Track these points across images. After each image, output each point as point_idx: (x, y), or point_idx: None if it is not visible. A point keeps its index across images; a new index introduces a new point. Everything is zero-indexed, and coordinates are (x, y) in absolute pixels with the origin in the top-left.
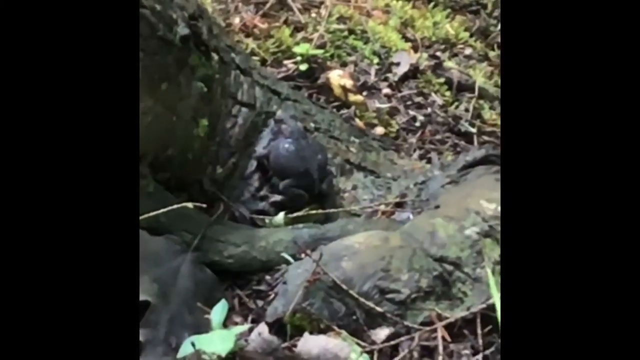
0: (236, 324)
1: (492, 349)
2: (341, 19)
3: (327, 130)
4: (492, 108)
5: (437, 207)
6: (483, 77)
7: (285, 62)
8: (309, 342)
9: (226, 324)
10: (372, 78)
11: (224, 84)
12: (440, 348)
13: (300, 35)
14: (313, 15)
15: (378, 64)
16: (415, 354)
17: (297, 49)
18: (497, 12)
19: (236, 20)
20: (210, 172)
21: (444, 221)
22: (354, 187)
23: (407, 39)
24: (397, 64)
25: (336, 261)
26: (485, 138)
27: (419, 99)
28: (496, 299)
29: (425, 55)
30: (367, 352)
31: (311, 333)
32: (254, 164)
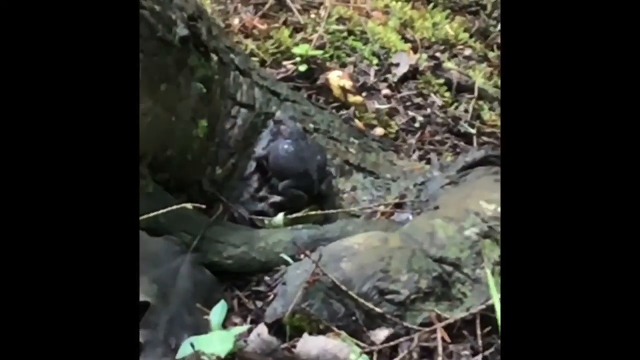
0: (235, 324)
1: (492, 349)
2: (340, 19)
3: (326, 131)
4: (492, 109)
5: (437, 208)
6: (482, 77)
7: (285, 62)
8: (308, 343)
9: (225, 324)
10: (371, 79)
11: (223, 84)
12: (440, 349)
13: (299, 36)
14: (312, 16)
15: (377, 64)
16: (415, 355)
17: (296, 50)
18: (496, 13)
19: (235, 21)
20: (209, 172)
21: (443, 222)
22: (353, 188)
23: (406, 40)
24: (397, 65)
25: (335, 262)
26: (485, 139)
27: (418, 100)
28: (495, 300)
29: (424, 56)
30: (367, 353)
31: (310, 334)
32: (253, 164)
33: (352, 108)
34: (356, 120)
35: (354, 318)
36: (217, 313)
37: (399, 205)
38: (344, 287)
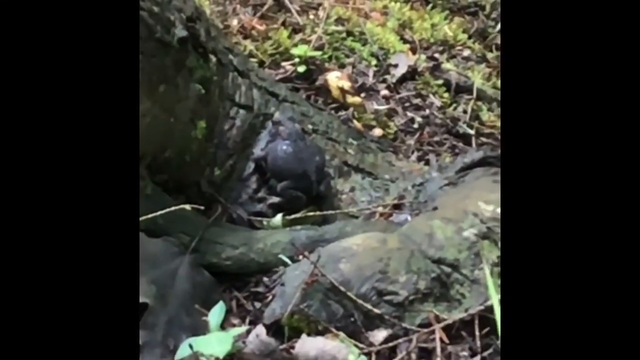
0: (234, 325)
1: (490, 350)
2: (339, 20)
3: (325, 132)
4: (491, 110)
5: (435, 208)
6: (481, 78)
7: (283, 63)
8: (306, 344)
9: (224, 325)
10: (370, 80)
11: (221, 85)
12: (438, 350)
13: (298, 37)
14: (311, 17)
15: (376, 65)
16: (413, 356)
17: (295, 51)
18: (495, 14)
19: (234, 22)
20: (208, 174)
21: (441, 223)
22: (352, 189)
23: (405, 41)
24: (395, 66)
25: (334, 263)
26: (484, 140)
27: (417, 101)
28: (494, 301)
29: (423, 56)
30: (365, 354)
31: (309, 335)
32: (251, 165)
33: (351, 109)
34: (355, 121)
35: (352, 319)
36: (216, 314)
37: (397, 206)
38: (342, 288)
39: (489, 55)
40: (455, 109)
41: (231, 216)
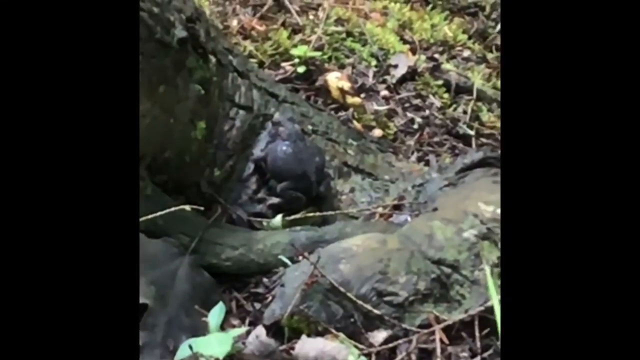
0: (234, 326)
1: (490, 351)
2: (339, 21)
3: (324, 133)
4: (490, 110)
5: (435, 209)
6: (481, 79)
7: (283, 64)
8: (306, 345)
9: (224, 326)
10: (370, 80)
11: (221, 86)
12: (438, 351)
13: (298, 37)
14: (311, 17)
15: (376, 66)
16: (413, 357)
17: (294, 51)
18: (495, 14)
19: (234, 23)
20: (207, 174)
21: (441, 224)
22: (352, 190)
23: (405, 41)
24: (395, 66)
25: (334, 264)
26: (484, 140)
27: (417, 101)
28: (494, 302)
29: (423, 57)
30: (365, 355)
31: (309, 336)
32: (251, 166)
33: (351, 109)
34: (355, 122)
35: (352, 320)
36: (216, 315)
37: (397, 207)
38: (342, 289)
39: (489, 56)
40: (455, 109)
41: (231, 217)
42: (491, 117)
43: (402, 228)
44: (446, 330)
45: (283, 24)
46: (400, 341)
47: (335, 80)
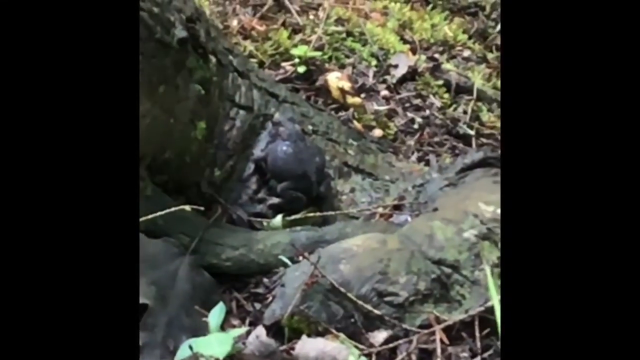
0: (234, 326)
1: (490, 351)
2: (339, 21)
3: (325, 133)
4: (491, 110)
5: (435, 209)
6: (481, 79)
7: (283, 64)
8: (306, 345)
9: (224, 326)
10: (370, 80)
11: (221, 86)
12: (439, 351)
13: (298, 37)
14: (311, 17)
15: (376, 66)
16: (414, 357)
17: (295, 51)
18: (495, 14)
19: (234, 23)
20: (208, 174)
21: (442, 224)
22: (352, 190)
23: (405, 41)
24: (395, 66)
25: (334, 264)
26: (484, 140)
27: (417, 101)
28: (494, 302)
29: (423, 57)
30: (365, 355)
31: (309, 336)
32: (251, 166)
33: (351, 109)
34: (355, 122)
35: (352, 320)
36: (216, 315)
37: (397, 207)
38: (342, 289)
39: (489, 56)
40: (455, 109)
41: (231, 217)
42: (491, 117)
43: (403, 228)
44: (446, 330)
45: (283, 24)
46: (400, 341)
47: (336, 80)
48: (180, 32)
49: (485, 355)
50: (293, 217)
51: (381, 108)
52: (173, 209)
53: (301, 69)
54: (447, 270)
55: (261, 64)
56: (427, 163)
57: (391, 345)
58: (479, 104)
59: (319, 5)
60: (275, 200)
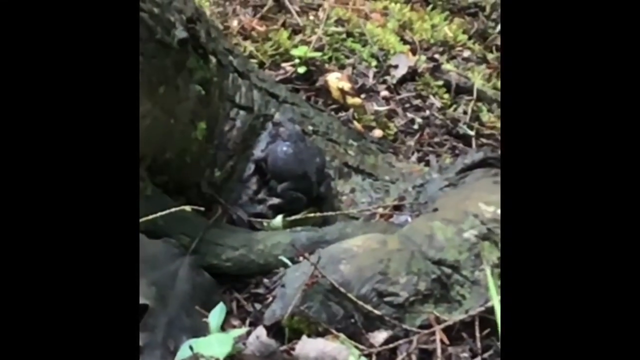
0: (234, 327)
1: (491, 352)
2: (339, 21)
3: (325, 133)
4: (491, 110)
5: (436, 210)
6: (481, 79)
7: (283, 64)
8: (307, 346)
9: (224, 327)
10: (370, 81)
11: (221, 87)
12: (439, 351)
13: (298, 37)
14: (311, 17)
15: (376, 66)
16: (414, 357)
17: (295, 52)
18: (495, 15)
19: (234, 23)
20: (208, 175)
21: (442, 224)
22: (352, 190)
23: (405, 42)
24: (396, 67)
25: (334, 264)
26: (484, 140)
27: (417, 102)
28: (495, 302)
29: (423, 57)
30: (366, 355)
31: (309, 336)
32: (252, 167)
33: (351, 110)
34: (355, 122)
35: (352, 320)
36: (216, 315)
37: (397, 208)
38: (342, 290)
39: (489, 56)
40: (455, 110)
41: (231, 217)
42: (491, 118)
43: (403, 228)
44: (446, 330)
45: (283, 25)
46: (400, 342)
47: (336, 80)
48: (180, 33)
49: (486, 355)
50: (293, 217)
51: (381, 108)
52: (173, 209)
53: (301, 70)
54: (447, 270)
55: (261, 65)
56: (427, 163)
57: (391, 345)
58: (479, 104)
59: (319, 5)
60: (275, 200)
